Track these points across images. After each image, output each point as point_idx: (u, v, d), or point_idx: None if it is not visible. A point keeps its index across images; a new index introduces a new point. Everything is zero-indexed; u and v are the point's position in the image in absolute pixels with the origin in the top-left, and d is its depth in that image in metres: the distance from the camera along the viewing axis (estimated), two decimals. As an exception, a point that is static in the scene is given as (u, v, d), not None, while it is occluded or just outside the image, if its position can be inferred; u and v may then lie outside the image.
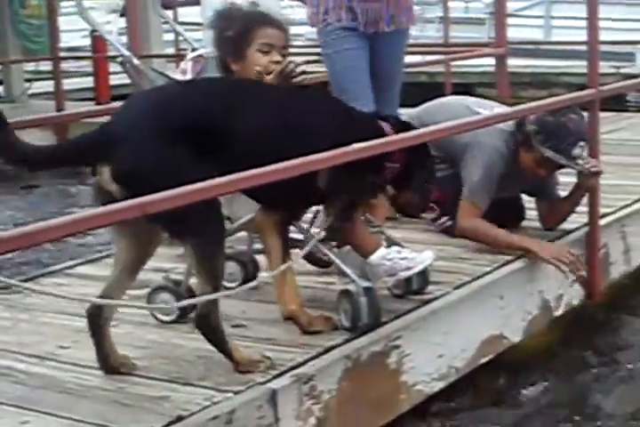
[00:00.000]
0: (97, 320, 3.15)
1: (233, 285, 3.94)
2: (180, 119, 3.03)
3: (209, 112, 3.11)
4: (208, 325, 3.11)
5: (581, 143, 4.40)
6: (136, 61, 3.84)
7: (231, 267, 3.97)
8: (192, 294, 3.69)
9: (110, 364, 3.17)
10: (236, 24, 3.54)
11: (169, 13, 10.13)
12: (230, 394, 3.00)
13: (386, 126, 3.50)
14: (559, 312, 4.41)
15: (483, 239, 4.35)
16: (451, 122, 3.73)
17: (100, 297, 3.16)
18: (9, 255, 2.68)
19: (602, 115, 4.70)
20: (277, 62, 3.52)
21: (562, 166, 4.46)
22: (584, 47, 4.73)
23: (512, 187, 4.61)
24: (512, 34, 7.44)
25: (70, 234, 2.45)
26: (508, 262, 4.21)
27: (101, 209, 2.54)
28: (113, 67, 10.99)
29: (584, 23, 4.61)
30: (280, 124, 3.24)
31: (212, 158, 3.03)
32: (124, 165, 2.93)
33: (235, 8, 3.65)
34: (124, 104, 3.19)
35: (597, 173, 4.48)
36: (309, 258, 3.95)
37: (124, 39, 6.60)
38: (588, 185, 4.53)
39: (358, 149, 3.16)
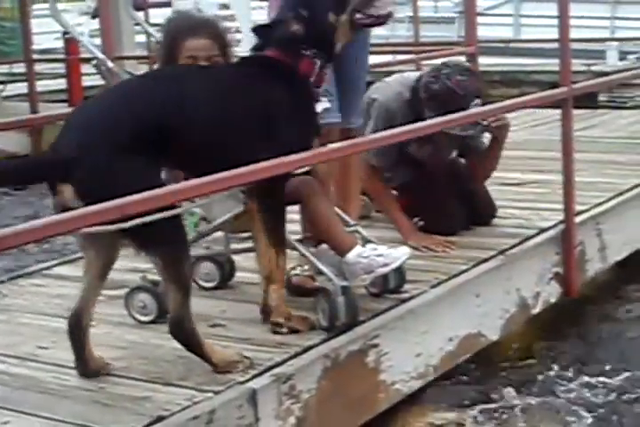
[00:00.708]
0: (77, 329, 3.16)
1: (210, 284, 3.96)
2: (127, 124, 3.02)
3: (153, 110, 3.10)
4: (182, 330, 3.10)
5: (475, 102, 4.42)
6: (110, 64, 3.84)
7: (208, 267, 3.99)
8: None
9: (90, 368, 3.18)
10: (165, 38, 3.61)
11: (140, 15, 10.11)
12: (210, 394, 3.01)
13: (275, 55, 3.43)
14: (537, 310, 4.45)
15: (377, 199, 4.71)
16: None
17: (78, 308, 3.18)
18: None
19: (575, 112, 4.74)
20: None
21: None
22: (554, 45, 4.76)
23: (437, 149, 4.69)
24: (482, 32, 7.46)
25: (51, 236, 2.47)
26: (484, 260, 4.24)
27: (81, 211, 2.55)
28: (85, 68, 10.96)
29: (553, 21, 4.64)
30: (223, 105, 3.24)
31: (169, 154, 3.08)
32: (86, 183, 2.93)
33: (170, 19, 3.71)
34: (69, 120, 3.14)
35: (502, 127, 4.63)
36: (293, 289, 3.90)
37: (97, 41, 6.58)
38: (498, 138, 4.74)
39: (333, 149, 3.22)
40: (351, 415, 3.44)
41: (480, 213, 4.81)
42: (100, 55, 3.85)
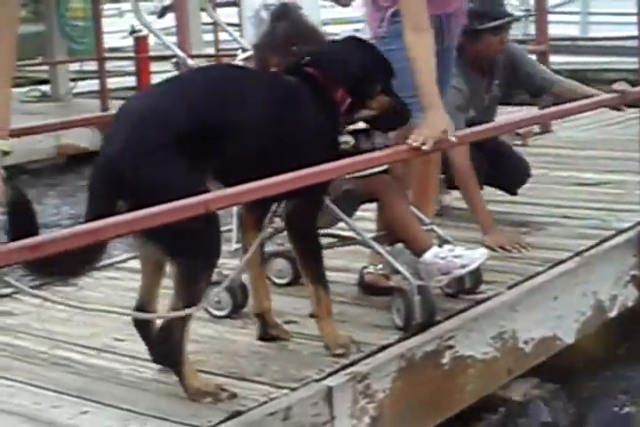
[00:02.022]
0: (143, 323, 3.14)
1: (282, 281, 3.93)
2: (179, 123, 2.90)
3: (199, 114, 2.95)
4: (167, 341, 2.95)
5: None
6: (190, 62, 3.85)
7: (281, 264, 3.99)
8: (245, 290, 3.71)
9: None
10: (271, 36, 3.54)
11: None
12: (286, 391, 3.01)
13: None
14: (613, 313, 4.37)
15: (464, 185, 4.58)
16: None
17: (139, 303, 3.15)
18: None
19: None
20: None
21: None
22: (624, 43, 4.68)
23: None
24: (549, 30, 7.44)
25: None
26: (560, 262, 4.18)
27: (167, 206, 2.55)
28: (154, 66, 11.08)
29: (620, 18, 4.57)
30: (271, 115, 3.11)
31: (216, 160, 2.95)
32: (126, 182, 2.82)
33: (294, 13, 3.64)
34: (120, 111, 3.03)
35: None
36: (366, 288, 3.90)
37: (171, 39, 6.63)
38: None
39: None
40: (425, 417, 3.41)
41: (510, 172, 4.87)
42: (181, 53, 3.87)
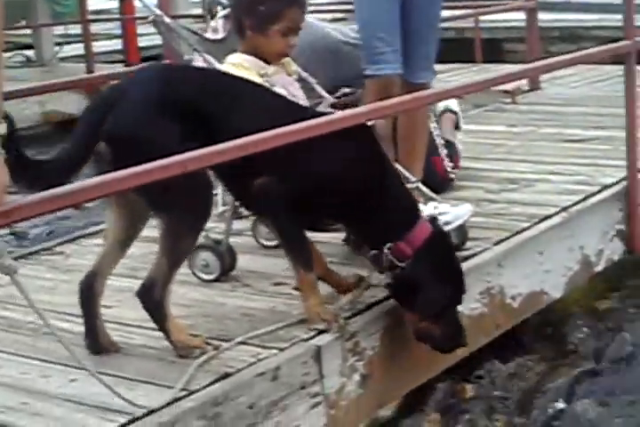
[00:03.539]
0: (88, 295, 3.10)
1: (210, 277, 3.73)
2: (180, 97, 2.98)
3: (209, 100, 3.04)
4: (150, 298, 2.98)
5: None
6: (168, 20, 3.83)
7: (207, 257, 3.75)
8: (232, 253, 3.72)
9: (99, 341, 3.10)
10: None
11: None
12: (275, 351, 3.02)
13: None
14: (600, 267, 4.40)
15: None
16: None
17: (92, 272, 3.12)
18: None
19: (638, 67, 4.65)
20: (293, 46, 3.62)
21: None
22: (612, 0, 4.67)
23: None
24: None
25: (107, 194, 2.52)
26: (547, 218, 4.19)
27: (144, 166, 2.56)
28: (141, 29, 10.98)
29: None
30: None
31: (195, 143, 2.87)
32: (117, 124, 2.90)
33: None
34: (137, 72, 3.22)
35: None
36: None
37: (153, 0, 6.58)
38: None
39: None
40: (414, 373, 3.44)
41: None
42: (158, 12, 3.85)
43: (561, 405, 3.80)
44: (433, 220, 3.30)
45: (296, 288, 3.33)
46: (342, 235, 3.94)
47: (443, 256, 3.21)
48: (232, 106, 3.08)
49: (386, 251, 3.16)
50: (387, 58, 3.83)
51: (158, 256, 2.98)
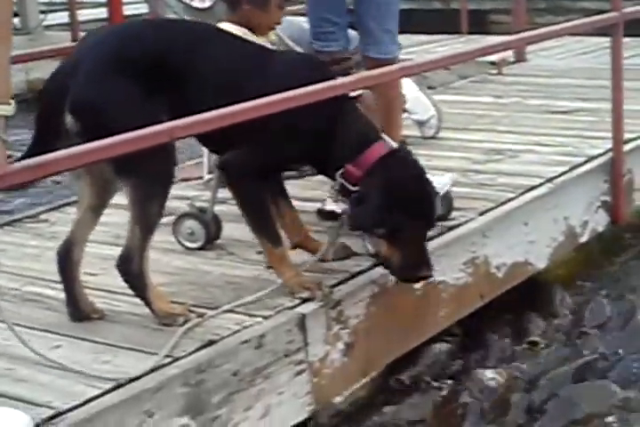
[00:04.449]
0: (66, 262, 3.10)
1: (194, 245, 3.72)
2: (136, 53, 2.96)
3: (167, 50, 3.00)
4: (128, 268, 2.97)
5: None
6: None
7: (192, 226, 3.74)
8: (218, 222, 3.72)
9: (80, 308, 3.10)
10: None
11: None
12: (260, 319, 3.03)
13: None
14: (584, 238, 4.41)
15: None
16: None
17: (68, 240, 3.11)
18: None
19: (624, 40, 4.64)
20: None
21: None
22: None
23: None
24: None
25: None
26: (532, 188, 4.20)
27: (129, 134, 2.55)
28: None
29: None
30: (234, 76, 3.08)
31: (162, 97, 2.95)
32: (77, 93, 2.87)
33: None
34: (85, 37, 3.14)
35: None
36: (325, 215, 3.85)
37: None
38: None
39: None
40: (399, 342, 3.45)
41: None
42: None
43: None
44: (401, 144, 3.21)
45: (269, 266, 3.29)
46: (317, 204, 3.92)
47: (398, 175, 3.04)
48: (195, 52, 3.04)
49: (339, 178, 3.10)
50: (333, 36, 3.92)
51: (130, 225, 2.97)
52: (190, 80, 3.00)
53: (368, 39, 3.86)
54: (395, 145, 3.20)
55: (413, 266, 3.08)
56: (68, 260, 3.10)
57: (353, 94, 3.63)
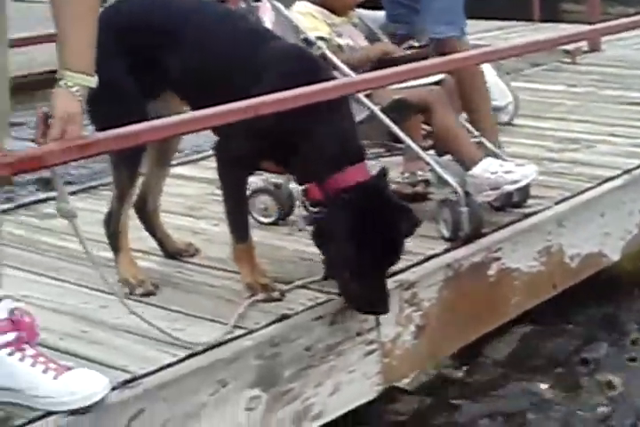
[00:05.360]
0: (144, 212, 3.28)
1: (268, 220, 3.70)
2: (124, 29, 2.99)
3: (157, 23, 3.03)
4: (107, 225, 3.15)
5: None
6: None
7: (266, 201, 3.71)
8: (291, 198, 3.70)
9: (167, 250, 3.33)
10: None
11: None
12: (334, 296, 3.01)
13: None
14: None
15: None
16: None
17: (141, 192, 3.24)
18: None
19: None
20: None
21: None
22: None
23: None
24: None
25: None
26: (609, 179, 4.13)
27: (210, 110, 2.53)
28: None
29: None
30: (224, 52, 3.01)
31: (152, 72, 2.99)
32: None
33: None
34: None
35: None
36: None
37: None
38: None
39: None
40: (469, 327, 3.42)
41: None
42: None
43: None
44: (381, 171, 2.98)
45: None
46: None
47: (360, 211, 2.82)
48: (186, 26, 3.03)
49: (300, 193, 3.08)
50: (404, 19, 3.92)
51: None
52: (183, 55, 2.99)
53: (428, 18, 3.83)
54: (368, 176, 2.94)
55: (370, 301, 2.89)
56: (144, 209, 3.26)
57: (435, 79, 3.63)
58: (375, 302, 2.88)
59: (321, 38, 3.55)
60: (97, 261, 2.57)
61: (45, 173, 2.54)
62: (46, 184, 5.52)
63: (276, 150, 2.98)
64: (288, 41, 3.26)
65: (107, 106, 2.80)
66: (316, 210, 3.01)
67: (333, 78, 3.05)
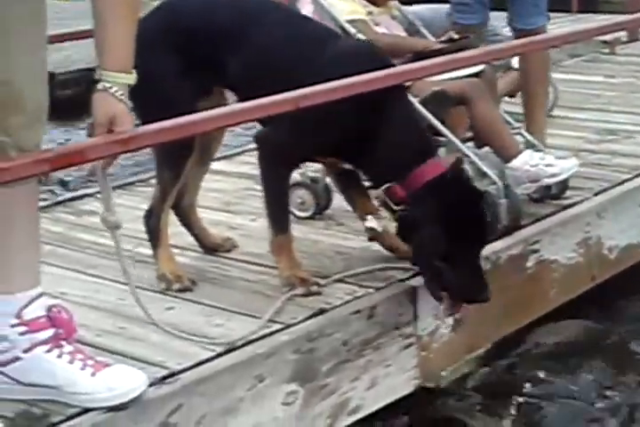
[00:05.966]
0: (181, 208, 3.27)
1: (305, 214, 3.69)
2: (182, 27, 2.98)
3: (215, 26, 3.00)
4: (147, 222, 3.14)
5: None
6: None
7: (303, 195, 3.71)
8: (328, 192, 3.69)
9: (205, 245, 3.33)
10: None
11: None
12: (372, 290, 3.00)
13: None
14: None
15: None
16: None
17: (180, 189, 3.17)
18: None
19: None
20: None
21: None
22: None
23: None
24: None
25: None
26: (649, 170, 4.09)
27: (254, 102, 2.53)
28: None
29: None
30: (281, 51, 3.01)
31: (206, 71, 2.98)
32: None
33: None
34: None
35: None
36: None
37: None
38: None
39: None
40: (508, 319, 3.39)
41: None
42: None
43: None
44: (458, 161, 3.00)
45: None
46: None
47: (446, 201, 2.84)
48: (246, 27, 3.00)
49: (382, 194, 2.98)
50: (470, 9, 4.04)
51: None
52: (240, 53, 2.97)
53: (515, 10, 3.98)
54: (446, 165, 2.96)
55: (471, 290, 2.90)
56: (181, 205, 3.26)
57: (474, 70, 3.60)
58: (477, 289, 2.88)
59: (359, 21, 3.55)
60: (131, 278, 2.58)
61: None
62: (64, 185, 5.55)
63: (343, 147, 2.95)
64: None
65: (157, 103, 2.82)
66: (400, 208, 2.94)
67: None
